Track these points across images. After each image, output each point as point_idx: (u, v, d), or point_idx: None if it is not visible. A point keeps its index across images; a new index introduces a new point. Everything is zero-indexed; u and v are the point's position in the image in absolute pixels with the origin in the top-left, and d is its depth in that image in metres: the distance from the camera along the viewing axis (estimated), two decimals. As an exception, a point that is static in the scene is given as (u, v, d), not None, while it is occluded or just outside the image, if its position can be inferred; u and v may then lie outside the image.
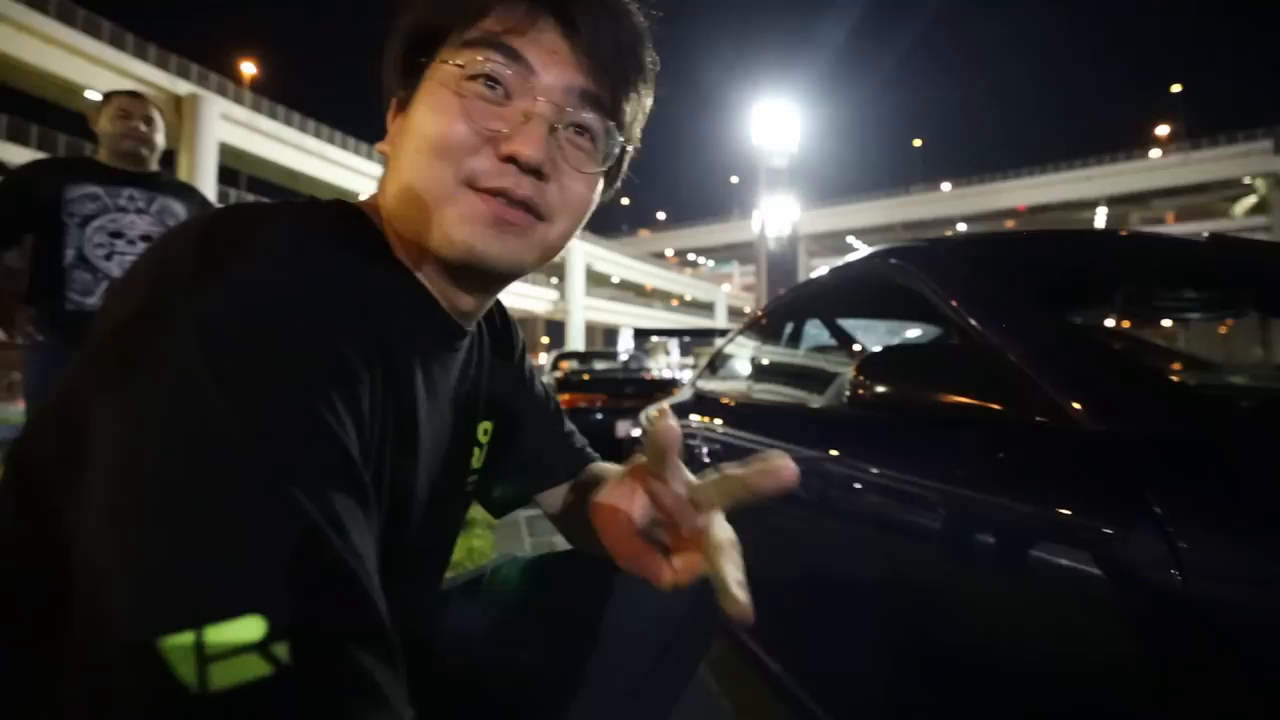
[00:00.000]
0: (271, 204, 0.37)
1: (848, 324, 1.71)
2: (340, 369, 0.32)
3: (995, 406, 0.73)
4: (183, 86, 20.41)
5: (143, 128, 1.70)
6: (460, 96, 0.39)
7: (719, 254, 53.11)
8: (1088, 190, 31.43)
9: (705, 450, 1.58)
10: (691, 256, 55.67)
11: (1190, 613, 0.46)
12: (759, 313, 1.91)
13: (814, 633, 1.01)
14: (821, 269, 1.53)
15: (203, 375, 0.28)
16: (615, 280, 42.01)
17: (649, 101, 0.47)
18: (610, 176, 0.47)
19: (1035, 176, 33.04)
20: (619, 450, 2.41)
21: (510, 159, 0.39)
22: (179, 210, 1.74)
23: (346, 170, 25.83)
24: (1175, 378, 0.83)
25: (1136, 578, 0.50)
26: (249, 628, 0.24)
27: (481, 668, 0.54)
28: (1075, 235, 1.17)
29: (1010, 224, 37.41)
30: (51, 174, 1.64)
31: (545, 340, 40.38)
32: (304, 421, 0.29)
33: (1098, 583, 0.53)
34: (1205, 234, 1.17)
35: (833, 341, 1.73)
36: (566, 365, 6.53)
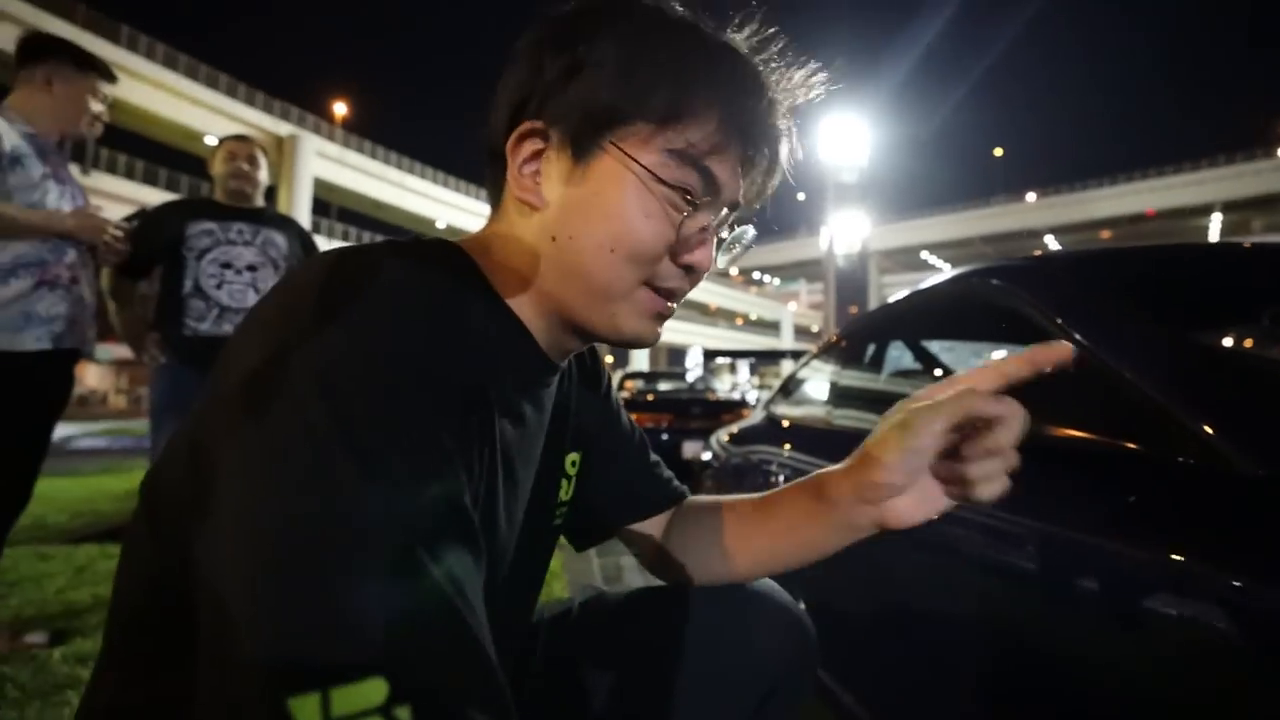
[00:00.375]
0: (383, 247, 0.37)
1: (935, 348, 1.61)
2: (454, 417, 0.32)
3: (1128, 444, 0.65)
4: (284, 128, 22.41)
5: (246, 166, 1.88)
6: (660, 202, 0.40)
7: (785, 272, 52.20)
8: (1200, 195, 28.71)
9: (780, 479, 1.52)
10: (757, 274, 55.02)
11: None
12: (836, 335, 1.84)
13: (900, 676, 0.93)
14: (903, 291, 1.45)
15: (326, 430, 0.28)
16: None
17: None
18: None
19: (1135, 182, 30.54)
20: (687, 471, 2.36)
21: (689, 268, 0.43)
22: (279, 240, 1.90)
23: (424, 198, 27.40)
24: None
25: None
26: (373, 690, 0.24)
27: (576, 707, 0.52)
28: (1219, 248, 1.05)
29: (1106, 235, 34.75)
30: (176, 213, 1.83)
31: (610, 360, 40.91)
32: (426, 477, 0.29)
33: (1249, 654, 0.45)
34: None
35: (917, 366, 1.63)
36: (632, 385, 6.55)
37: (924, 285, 1.33)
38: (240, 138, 1.96)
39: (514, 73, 0.42)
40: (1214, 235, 31.96)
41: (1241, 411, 0.60)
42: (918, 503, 0.46)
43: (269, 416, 0.29)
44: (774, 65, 0.43)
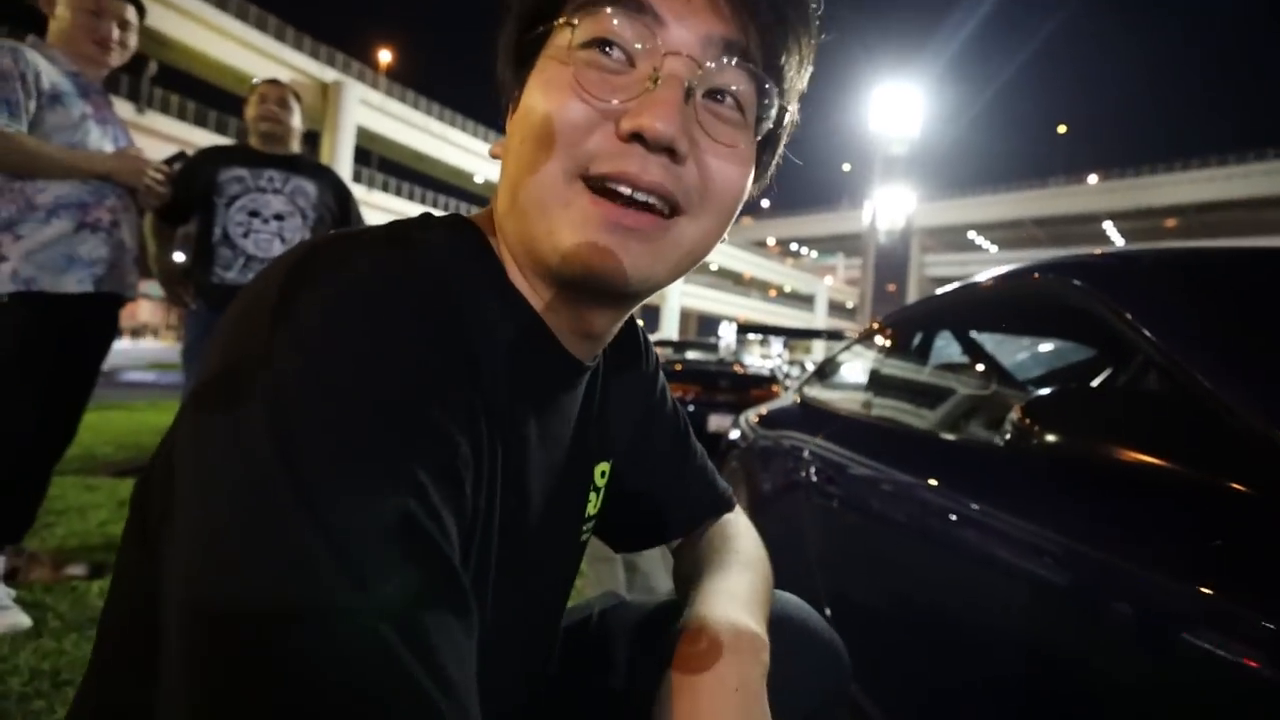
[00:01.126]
0: (369, 237, 0.31)
1: (988, 344, 1.51)
2: (436, 448, 0.27)
3: (1217, 478, 0.58)
4: (329, 74, 22.41)
5: (276, 109, 1.84)
6: (570, 67, 0.32)
7: (824, 245, 50.91)
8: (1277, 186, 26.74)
9: (812, 469, 1.47)
10: (794, 246, 53.80)
11: None
12: (878, 323, 1.75)
13: (937, 698, 0.89)
14: (943, 269, 1.35)
15: (274, 473, 0.23)
16: (713, 268, 41.55)
17: (811, 57, 0.37)
18: (764, 155, 0.38)
19: (1209, 169, 28.51)
20: (714, 445, 2.33)
21: (635, 136, 0.31)
22: (310, 190, 1.86)
23: (466, 153, 27.31)
24: None
25: None
26: None
27: (592, 718, 0.49)
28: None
29: (1170, 223, 32.82)
30: (211, 160, 1.81)
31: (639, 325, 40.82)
32: (395, 533, 0.24)
33: None
34: None
35: (965, 360, 1.54)
36: (660, 353, 6.51)
37: (985, 276, 1.23)
38: (272, 81, 1.91)
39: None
40: (1291, 230, 29.85)
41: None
42: None
43: (212, 442, 0.25)
44: None
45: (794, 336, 7.71)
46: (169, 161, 1.62)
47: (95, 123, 1.42)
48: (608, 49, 0.32)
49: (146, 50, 1.59)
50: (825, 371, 1.98)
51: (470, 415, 0.30)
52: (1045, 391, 0.74)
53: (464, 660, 0.25)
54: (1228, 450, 0.59)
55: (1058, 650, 0.68)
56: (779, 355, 8.06)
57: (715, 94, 0.33)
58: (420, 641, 0.23)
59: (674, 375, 5.14)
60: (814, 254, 54.20)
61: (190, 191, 1.74)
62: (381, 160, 27.77)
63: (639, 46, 0.32)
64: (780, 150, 0.39)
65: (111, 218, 1.42)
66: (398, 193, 26.77)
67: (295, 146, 1.90)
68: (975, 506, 0.85)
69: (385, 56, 31.35)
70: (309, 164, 1.92)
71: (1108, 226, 34.39)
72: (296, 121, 1.90)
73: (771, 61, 0.34)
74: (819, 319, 44.09)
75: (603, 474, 0.48)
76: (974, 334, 1.47)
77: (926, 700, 0.91)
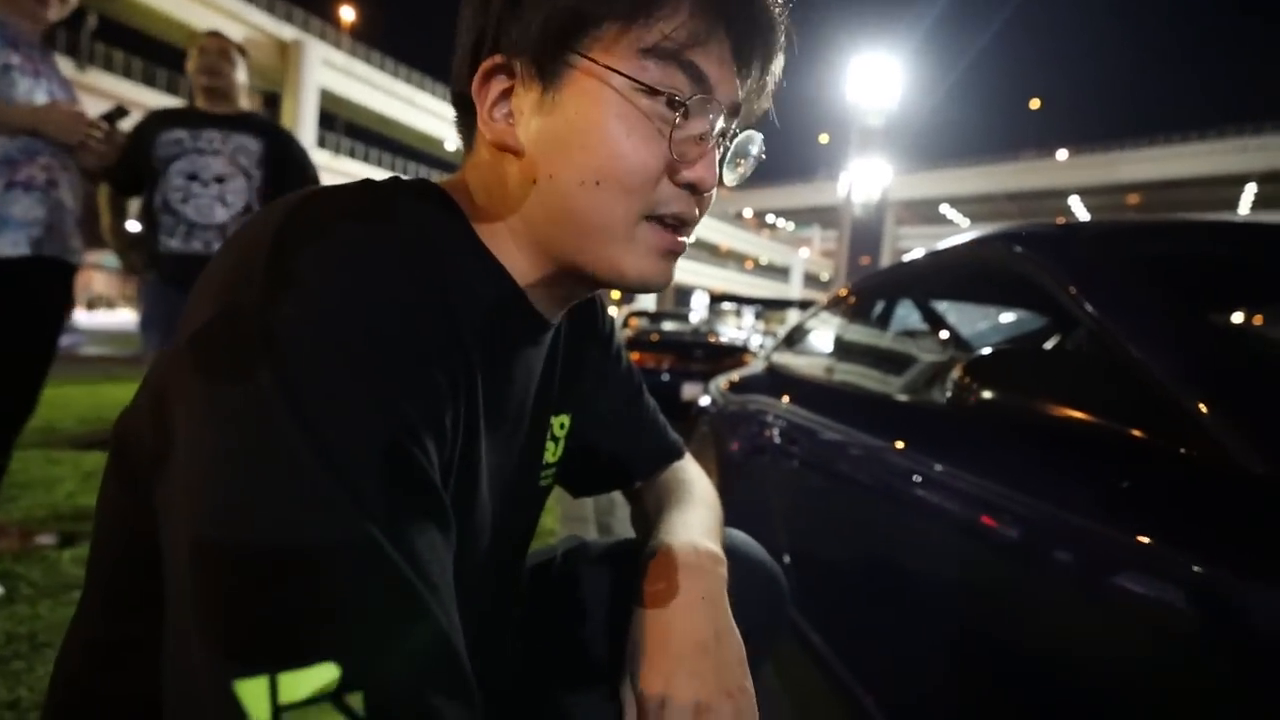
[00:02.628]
0: (352, 190, 0.34)
1: (945, 310, 1.58)
2: (422, 386, 0.30)
3: (1132, 430, 0.64)
4: (288, 31, 21.32)
5: (215, 61, 1.72)
6: (648, 118, 0.35)
7: (800, 216, 50.98)
8: (1238, 164, 27.48)
9: (776, 431, 1.53)
10: (770, 218, 53.80)
11: None
12: (845, 290, 1.80)
13: (887, 640, 0.96)
14: (918, 249, 1.41)
15: (277, 406, 0.26)
16: (690, 239, 41.31)
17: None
18: None
19: (1172, 146, 29.16)
20: (685, 413, 2.39)
21: (691, 187, 0.38)
22: (253, 148, 1.75)
23: (434, 117, 26.42)
24: None
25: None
26: (323, 676, 0.24)
27: (550, 657, 0.54)
28: (1246, 228, 1.00)
29: (1133, 199, 33.63)
30: (154, 123, 1.72)
31: (616, 296, 40.64)
32: (384, 455, 0.27)
33: (1236, 647, 0.46)
34: None
35: (924, 326, 1.61)
36: (636, 324, 6.54)
37: (943, 245, 1.29)
38: (212, 34, 1.80)
39: (467, 8, 0.38)
40: (1245, 207, 30.82)
41: (1259, 410, 0.59)
42: None
43: (215, 382, 0.27)
44: None
45: (766, 306, 7.80)
46: (107, 117, 1.52)
47: (25, 75, 1.31)
48: (678, 102, 0.36)
49: (86, 3, 1.49)
50: (793, 339, 2.03)
51: (448, 354, 0.33)
52: (984, 351, 0.80)
53: (445, 568, 0.29)
54: (1140, 406, 0.65)
55: (990, 590, 0.75)
56: (752, 326, 8.14)
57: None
58: (410, 549, 0.27)
59: (650, 346, 5.18)
60: (790, 226, 54.31)
61: (135, 158, 1.65)
62: (348, 125, 26.73)
63: (696, 109, 0.37)
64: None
65: (47, 176, 1.33)
66: (364, 159, 25.84)
67: (243, 103, 1.79)
68: (918, 460, 0.91)
69: (348, 14, 29.96)
70: (254, 121, 1.79)
71: (1074, 201, 35.09)
72: (241, 76, 1.78)
73: (752, 113, 0.42)
74: (794, 291, 44.45)
75: (562, 425, 0.52)
76: (932, 301, 1.53)
77: (876, 639, 0.98)
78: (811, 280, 47.87)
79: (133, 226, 1.82)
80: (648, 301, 34.06)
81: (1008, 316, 1.68)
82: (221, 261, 0.31)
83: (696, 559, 0.46)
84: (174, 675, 0.27)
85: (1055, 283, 0.84)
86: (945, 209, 39.54)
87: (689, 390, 4.63)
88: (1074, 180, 32.40)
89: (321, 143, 22.87)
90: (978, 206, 37.99)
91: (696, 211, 0.39)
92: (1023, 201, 35.25)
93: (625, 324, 6.41)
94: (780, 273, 47.94)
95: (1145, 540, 0.56)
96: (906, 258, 1.48)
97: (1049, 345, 1.36)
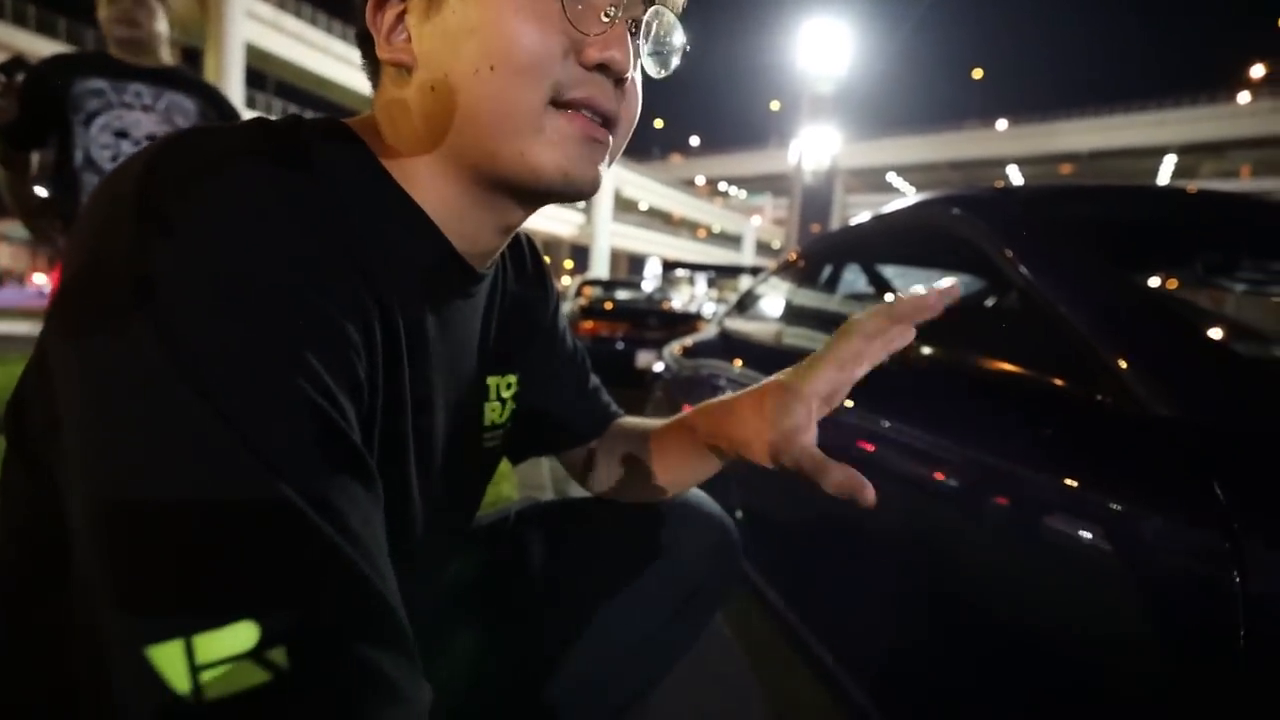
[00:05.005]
0: (237, 129, 0.31)
1: (892, 273, 1.63)
2: (323, 332, 0.28)
3: (1055, 380, 0.68)
4: (205, -22, 19.60)
5: (134, 9, 1.56)
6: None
7: (752, 184, 51.18)
8: (1158, 136, 29.00)
9: (729, 394, 1.56)
10: (723, 186, 53.79)
11: (1249, 616, 0.43)
12: (794, 254, 1.83)
13: (833, 588, 1.01)
14: (864, 213, 1.44)
15: (158, 359, 0.25)
16: (643, 207, 41.02)
17: None
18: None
19: (1101, 118, 30.52)
20: (640, 380, 2.41)
21: (602, 68, 0.35)
22: (189, 107, 1.62)
23: (374, 77, 24.99)
24: (1263, 360, 0.76)
25: (1193, 576, 0.48)
26: (240, 635, 0.23)
27: (502, 613, 0.54)
28: (1160, 192, 1.07)
29: (1066, 169, 35.18)
30: (61, 69, 1.54)
31: (569, 265, 40.09)
32: (282, 402, 0.26)
33: (1149, 576, 0.51)
34: None
35: (871, 290, 1.66)
36: (590, 292, 6.49)
37: (886, 209, 1.32)
38: None
39: None
40: (1164, 178, 32.70)
41: (1158, 358, 0.63)
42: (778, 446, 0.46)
43: (88, 340, 0.25)
44: None
45: (718, 273, 7.85)
46: (3, 69, 1.38)
47: None
48: None
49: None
50: (745, 303, 2.06)
51: (357, 304, 0.31)
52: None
53: (369, 519, 0.27)
54: (1063, 358, 0.69)
55: (933, 537, 0.80)
56: (705, 294, 8.20)
57: (634, 24, 0.37)
58: (324, 501, 0.25)
59: (604, 314, 5.16)
60: (743, 194, 54.48)
61: (40, 107, 1.49)
62: (279, 84, 25.00)
63: None
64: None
65: None
66: (299, 120, 24.36)
67: (166, 57, 1.63)
68: (864, 417, 0.95)
69: (273, -39, 27.72)
70: (185, 77, 1.66)
71: (1012, 170, 36.45)
72: (162, 26, 1.61)
73: None
74: (747, 258, 44.89)
75: (509, 385, 0.51)
76: (878, 264, 1.58)
77: (826, 588, 1.03)
78: (763, 248, 48.38)
79: (38, 191, 1.66)
80: (601, 269, 33.73)
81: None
82: (88, 209, 0.28)
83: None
84: (86, 652, 0.25)
85: (989, 244, 0.88)
86: (892, 177, 40.46)
87: (643, 358, 4.65)
88: (1012, 150, 33.61)
89: (251, 103, 21.33)
90: (923, 175, 39.03)
91: (617, 104, 0.36)
92: (965, 170, 36.39)
93: (579, 293, 6.35)
94: (733, 241, 48.21)
95: (1069, 482, 0.61)
96: (853, 221, 1.51)
97: (989, 303, 1.42)
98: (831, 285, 1.64)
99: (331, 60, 23.61)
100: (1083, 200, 0.99)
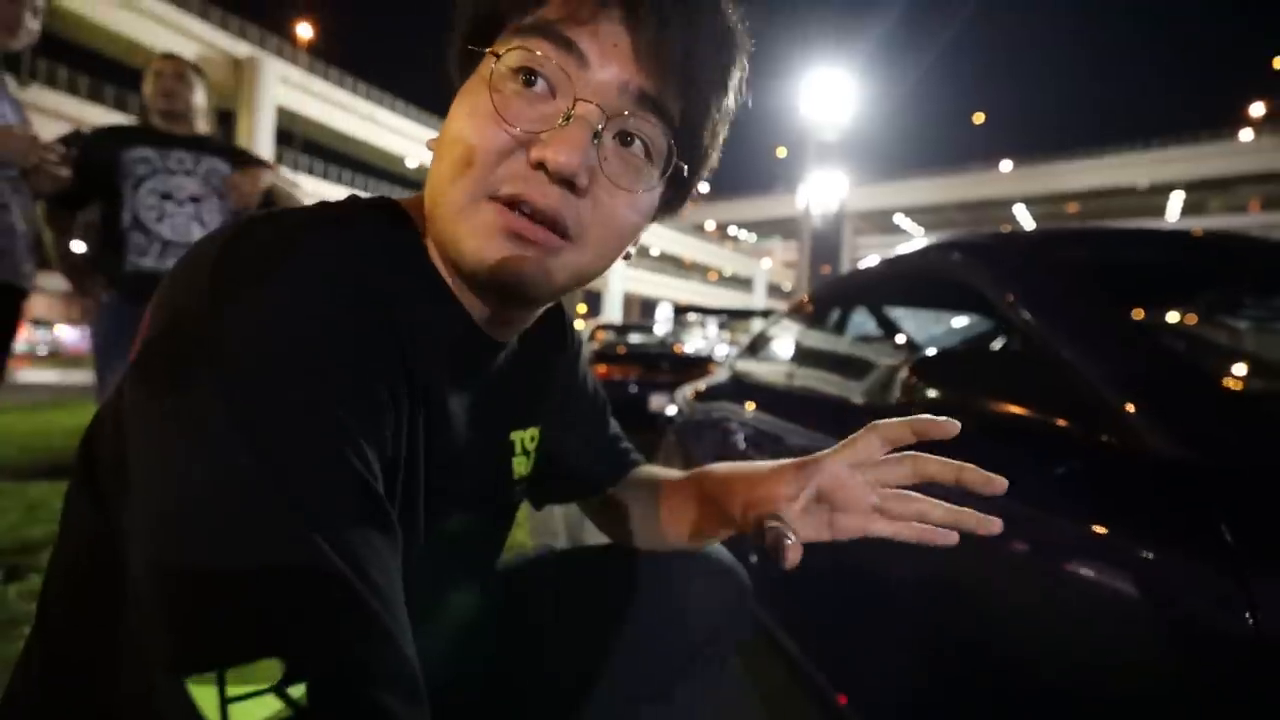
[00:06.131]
0: (301, 213, 0.35)
1: (899, 316, 1.65)
2: (362, 398, 0.31)
3: (1059, 421, 0.69)
4: (242, 48, 20.86)
5: (174, 84, 1.72)
6: (497, 93, 0.35)
7: (761, 228, 51.97)
8: (1164, 173, 29.24)
9: (740, 436, 1.57)
10: (732, 230, 54.67)
11: (1260, 657, 0.43)
12: (804, 298, 1.87)
13: (843, 632, 1.00)
14: (872, 256, 1.48)
15: (219, 415, 0.28)
16: (655, 253, 41.69)
17: (727, 118, 0.41)
18: (670, 198, 0.42)
19: (1107, 157, 30.89)
20: (653, 423, 2.42)
21: (540, 166, 0.34)
22: (226, 170, 1.77)
23: (396, 134, 26.14)
24: (1267, 398, 0.76)
25: (1204, 618, 0.48)
26: (267, 670, 0.25)
27: (514, 660, 0.55)
28: (1160, 234, 1.09)
29: (1072, 208, 35.35)
30: (110, 140, 1.70)
31: (583, 309, 40.60)
32: (323, 461, 0.29)
33: (1159, 617, 0.51)
34: None
35: (879, 332, 1.68)
36: (602, 336, 6.57)
37: (891, 254, 1.35)
38: (168, 56, 1.80)
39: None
40: (1173, 214, 32.75)
41: (1165, 400, 0.64)
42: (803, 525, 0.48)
43: (161, 393, 0.29)
44: None
45: (730, 316, 7.89)
46: (64, 141, 1.50)
47: None
48: (532, 79, 0.35)
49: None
50: (756, 346, 2.09)
51: (391, 371, 0.34)
52: (929, 353, 0.85)
53: (387, 566, 0.30)
54: (1066, 399, 0.71)
55: (947, 579, 0.80)
56: (716, 336, 8.23)
57: (625, 137, 0.37)
58: (348, 550, 0.28)
59: (617, 358, 5.20)
60: (753, 237, 55.28)
61: (89, 174, 1.62)
62: (306, 142, 26.16)
63: (560, 82, 0.35)
64: (690, 194, 0.44)
65: None
66: (324, 176, 25.28)
67: (202, 126, 1.80)
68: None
69: (306, 31, 29.47)
70: (219, 145, 1.82)
71: (1019, 209, 36.72)
72: (200, 99, 1.78)
73: (684, 118, 0.38)
74: (758, 300, 45.16)
75: (532, 438, 0.53)
76: (884, 307, 1.60)
77: (840, 633, 1.02)
78: (774, 290, 48.71)
79: (75, 246, 1.77)
80: (614, 314, 34.00)
81: (961, 320, 1.76)
82: (171, 277, 0.32)
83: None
84: (131, 681, 0.28)
85: (991, 288, 0.90)
86: (899, 219, 40.88)
87: (656, 401, 4.66)
88: (1018, 190, 33.94)
89: (279, 160, 22.32)
90: (930, 216, 39.41)
91: (556, 203, 0.35)
92: (971, 211, 36.71)
93: (591, 337, 6.43)
94: (744, 284, 48.66)
95: (1077, 525, 0.61)
96: (860, 265, 1.54)
97: (996, 346, 1.44)
98: (840, 328, 1.67)
99: (356, 119, 24.79)
100: (1082, 243, 1.02)
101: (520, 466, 0.52)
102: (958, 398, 0.78)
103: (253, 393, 0.28)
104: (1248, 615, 0.44)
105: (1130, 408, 0.64)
